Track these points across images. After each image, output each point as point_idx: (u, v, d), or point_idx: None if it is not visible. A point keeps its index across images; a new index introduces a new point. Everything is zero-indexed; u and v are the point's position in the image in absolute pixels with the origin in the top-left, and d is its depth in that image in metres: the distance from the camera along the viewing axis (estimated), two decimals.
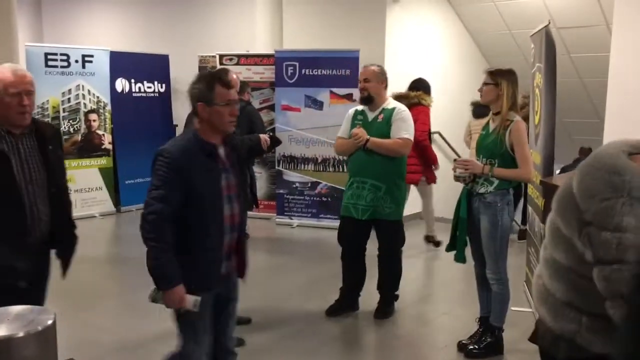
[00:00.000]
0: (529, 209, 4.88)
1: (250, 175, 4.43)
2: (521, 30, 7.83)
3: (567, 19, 7.56)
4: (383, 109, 4.25)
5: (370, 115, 4.28)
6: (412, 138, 4.23)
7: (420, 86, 6.22)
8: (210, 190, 2.48)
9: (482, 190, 3.62)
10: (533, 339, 2.01)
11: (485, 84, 3.63)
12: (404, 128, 4.17)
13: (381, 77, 4.27)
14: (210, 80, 2.49)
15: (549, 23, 4.24)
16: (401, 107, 4.25)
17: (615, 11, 5.13)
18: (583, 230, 1.60)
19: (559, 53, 4.85)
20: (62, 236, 2.89)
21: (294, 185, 7.44)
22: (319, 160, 7.31)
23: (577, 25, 7.58)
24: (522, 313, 4.55)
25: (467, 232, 3.74)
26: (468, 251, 3.82)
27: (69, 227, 2.98)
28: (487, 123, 3.74)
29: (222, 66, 7.87)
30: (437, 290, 5.13)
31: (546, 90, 4.12)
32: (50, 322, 1.97)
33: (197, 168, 2.45)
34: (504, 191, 3.61)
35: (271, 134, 4.73)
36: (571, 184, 1.67)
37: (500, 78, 3.57)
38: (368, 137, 4.15)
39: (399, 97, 5.34)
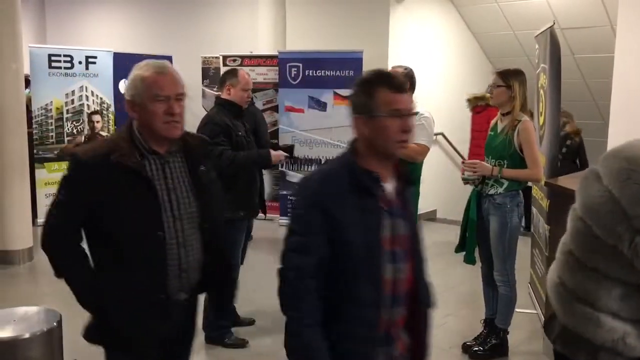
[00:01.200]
0: (533, 210, 4.87)
1: (260, 179, 4.27)
2: (525, 31, 7.81)
3: (571, 20, 7.54)
4: None
5: None
6: (429, 145, 4.14)
7: None
8: (364, 242, 1.72)
9: (491, 191, 3.61)
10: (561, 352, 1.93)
11: (496, 85, 3.60)
12: (423, 134, 4.06)
13: (405, 80, 4.19)
14: (371, 82, 1.78)
15: (554, 24, 4.23)
16: (424, 113, 4.13)
17: (620, 12, 5.11)
18: (636, 239, 1.56)
19: (563, 54, 4.84)
20: (216, 283, 2.28)
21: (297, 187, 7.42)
22: (323, 162, 7.30)
23: (581, 26, 7.56)
24: (526, 315, 4.54)
25: (476, 233, 3.73)
26: (476, 252, 3.82)
27: (225, 272, 2.34)
28: (495, 124, 3.73)
29: (226, 67, 7.88)
30: (442, 291, 5.10)
31: (551, 91, 4.11)
32: (55, 323, 1.96)
33: (347, 208, 1.72)
34: (514, 192, 3.60)
35: (286, 144, 4.59)
36: (604, 189, 1.64)
37: (512, 79, 3.55)
38: None
39: (475, 99, 5.30)
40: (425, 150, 4.11)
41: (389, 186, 1.80)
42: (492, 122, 3.81)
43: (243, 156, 3.90)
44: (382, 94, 1.73)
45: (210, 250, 2.14)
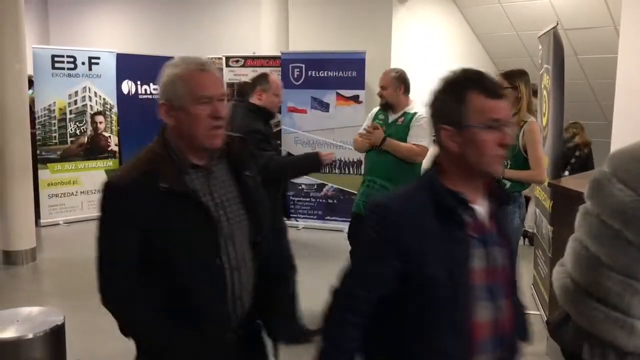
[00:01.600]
0: (537, 211, 4.86)
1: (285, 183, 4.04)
2: (528, 31, 7.81)
3: (575, 21, 7.54)
4: (405, 112, 4.18)
5: (391, 117, 4.23)
6: (428, 146, 4.14)
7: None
8: (448, 276, 1.45)
9: None
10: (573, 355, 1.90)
11: (502, 87, 3.58)
12: (422, 135, 4.07)
13: (397, 83, 4.18)
14: (461, 84, 1.50)
15: (557, 24, 4.22)
16: (422, 114, 4.09)
17: (623, 13, 5.10)
18: None
19: (567, 54, 4.83)
20: (272, 311, 1.91)
21: (300, 187, 7.44)
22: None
23: (585, 27, 7.56)
24: (530, 316, 4.53)
25: None
26: None
27: (282, 296, 2.01)
28: None
29: (229, 68, 7.90)
30: None
31: (554, 92, 4.11)
32: (59, 323, 1.97)
33: (429, 236, 1.46)
34: (516, 194, 3.59)
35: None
36: (633, 193, 1.62)
37: (518, 80, 3.55)
38: (385, 136, 4.09)
39: None
40: (425, 151, 4.11)
41: (481, 209, 1.52)
42: None
43: (290, 161, 3.80)
44: (475, 99, 1.45)
45: (263, 269, 1.83)
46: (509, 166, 3.54)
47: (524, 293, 1.92)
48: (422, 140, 4.05)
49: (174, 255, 1.65)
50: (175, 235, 1.64)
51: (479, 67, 4.83)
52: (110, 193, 1.66)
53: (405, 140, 4.05)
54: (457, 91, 1.48)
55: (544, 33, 4.57)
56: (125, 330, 1.73)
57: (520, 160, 3.53)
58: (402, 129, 4.13)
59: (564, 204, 3.72)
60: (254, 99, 3.93)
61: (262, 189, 1.92)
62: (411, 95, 5.32)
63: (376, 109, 4.39)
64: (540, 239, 4.58)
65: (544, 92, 4.56)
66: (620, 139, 4.93)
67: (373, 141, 4.10)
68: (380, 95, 4.23)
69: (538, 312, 4.55)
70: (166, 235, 1.64)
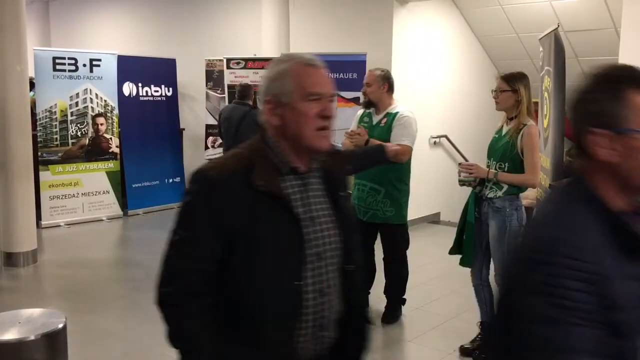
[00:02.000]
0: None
1: None
2: (529, 33, 7.81)
3: (575, 23, 7.54)
4: (387, 113, 4.22)
5: (375, 119, 4.26)
6: (412, 145, 4.18)
7: None
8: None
9: (490, 194, 3.60)
10: None
11: (502, 90, 3.59)
12: (404, 134, 4.11)
13: (382, 81, 4.22)
14: (619, 81, 1.21)
15: (558, 26, 4.23)
16: (404, 113, 4.17)
17: (624, 15, 5.11)
18: None
19: (567, 56, 4.83)
20: (351, 344, 1.71)
21: None
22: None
23: (585, 29, 7.56)
24: None
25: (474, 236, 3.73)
26: None
27: (362, 329, 1.75)
28: (501, 127, 3.72)
29: (229, 70, 7.90)
30: (446, 294, 5.10)
31: (555, 94, 4.11)
32: (61, 325, 1.97)
33: (617, 276, 1.13)
34: (513, 196, 3.59)
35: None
36: None
37: (518, 83, 3.55)
38: (368, 138, 4.13)
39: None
40: (408, 150, 4.13)
41: None
42: (498, 125, 3.81)
43: (356, 154, 3.86)
44: (637, 100, 1.18)
45: (349, 300, 1.64)
46: (506, 168, 3.55)
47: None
48: (405, 140, 4.09)
49: (251, 266, 1.47)
50: (260, 244, 1.47)
51: (480, 69, 4.87)
52: (204, 183, 1.51)
53: (389, 141, 4.07)
54: (615, 89, 1.20)
55: (545, 35, 4.57)
56: (174, 339, 1.49)
57: (518, 163, 3.54)
58: (385, 130, 4.16)
59: None
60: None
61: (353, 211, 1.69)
62: (409, 96, 5.32)
63: (361, 111, 4.42)
64: None
65: (545, 94, 4.56)
66: None
67: (357, 144, 4.14)
68: (364, 93, 4.27)
69: None
70: (250, 242, 1.47)
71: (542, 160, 4.67)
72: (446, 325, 4.47)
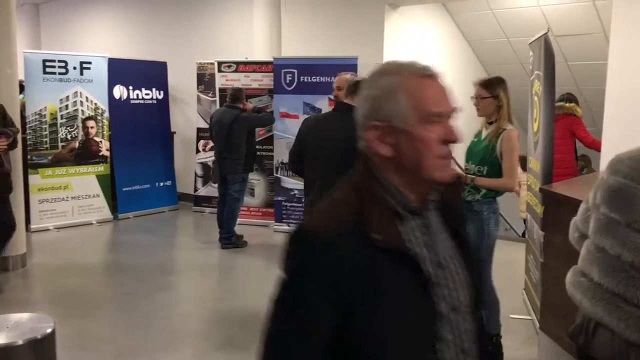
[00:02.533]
0: (528, 216, 4.88)
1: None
2: (519, 38, 7.86)
3: (565, 27, 7.60)
4: None
5: None
6: None
7: (573, 99, 6.58)
8: None
9: (469, 198, 3.63)
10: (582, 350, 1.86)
11: (482, 97, 3.62)
12: None
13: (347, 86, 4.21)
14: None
15: (548, 31, 4.25)
16: None
17: (613, 20, 5.14)
18: None
19: (557, 61, 4.86)
20: None
21: (292, 193, 7.43)
22: None
23: (575, 34, 7.62)
24: (521, 321, 4.54)
25: None
26: None
27: None
28: (480, 131, 3.76)
29: (221, 73, 7.89)
30: None
31: (545, 98, 4.13)
32: (49, 330, 1.95)
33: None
34: (491, 200, 3.62)
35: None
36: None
37: (497, 89, 3.58)
38: None
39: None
40: None
41: None
42: (477, 129, 3.83)
43: None
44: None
45: (481, 346, 1.34)
46: (485, 171, 3.57)
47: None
48: None
49: (373, 343, 1.15)
50: (382, 314, 1.16)
51: (471, 73, 4.84)
52: (311, 246, 1.17)
53: None
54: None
55: (535, 39, 4.60)
56: None
57: (497, 166, 3.56)
58: None
59: (555, 210, 3.73)
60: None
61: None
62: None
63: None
64: (532, 244, 4.59)
65: (535, 98, 4.59)
66: (610, 145, 4.97)
67: None
68: (335, 97, 4.27)
69: (530, 317, 4.56)
70: (369, 312, 1.16)
71: (532, 164, 4.70)
72: None
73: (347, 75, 4.25)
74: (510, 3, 7.91)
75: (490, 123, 3.64)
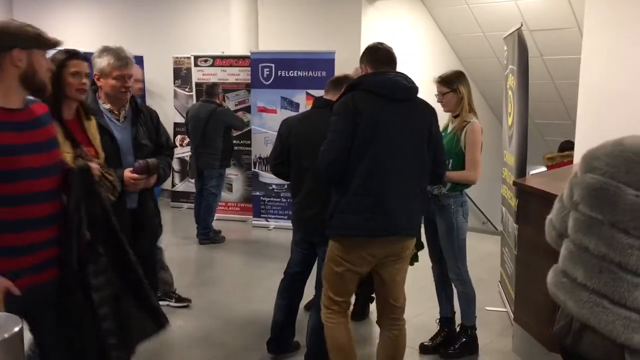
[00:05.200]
0: (503, 209, 4.93)
1: None
2: (495, 32, 7.91)
3: (540, 22, 7.66)
4: None
5: None
6: None
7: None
8: None
9: (435, 191, 3.66)
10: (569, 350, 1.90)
11: (443, 93, 3.67)
12: None
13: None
14: None
15: (521, 26, 4.28)
16: None
17: (586, 14, 5.20)
18: None
19: (532, 55, 4.91)
20: None
21: (271, 187, 7.42)
22: None
23: (550, 28, 7.69)
24: (496, 313, 4.59)
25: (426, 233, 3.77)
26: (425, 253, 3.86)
27: None
28: (447, 125, 3.80)
29: (197, 68, 7.83)
30: (415, 290, 5.14)
31: (519, 92, 4.17)
32: (16, 329, 1.91)
33: None
34: (457, 193, 3.66)
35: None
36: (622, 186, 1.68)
37: (456, 83, 3.64)
38: None
39: (549, 159, 5.42)
40: None
41: None
42: (444, 124, 3.86)
43: None
44: None
45: None
46: (450, 164, 3.60)
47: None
48: None
49: None
50: None
51: (447, 67, 4.80)
52: None
53: None
54: None
55: (509, 34, 4.63)
56: None
57: (461, 159, 3.60)
58: None
59: (529, 203, 3.77)
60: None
61: None
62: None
63: None
64: (507, 237, 4.64)
65: (509, 93, 4.62)
66: (584, 138, 5.03)
67: None
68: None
69: (505, 309, 4.61)
70: None
71: (506, 158, 4.74)
72: (413, 322, 4.49)
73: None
74: None
75: (455, 117, 3.69)
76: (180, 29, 8.74)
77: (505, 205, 4.82)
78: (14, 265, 2.05)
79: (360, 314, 4.44)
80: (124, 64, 3.11)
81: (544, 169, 6.34)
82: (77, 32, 9.87)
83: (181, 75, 8.32)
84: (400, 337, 3.13)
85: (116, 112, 3.11)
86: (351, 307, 3.25)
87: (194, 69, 7.87)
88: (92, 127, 2.83)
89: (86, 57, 2.94)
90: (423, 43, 8.65)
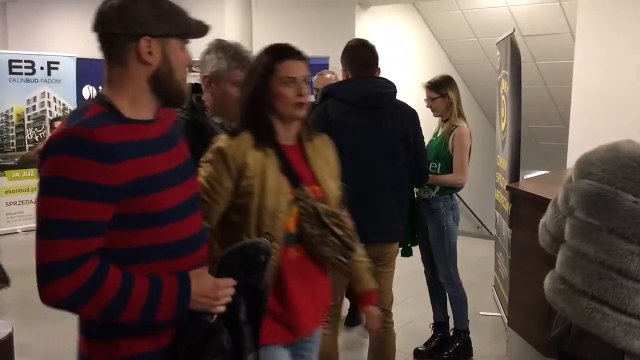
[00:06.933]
0: (497, 214, 4.93)
1: None
2: (488, 37, 7.93)
3: (533, 27, 7.70)
4: None
5: None
6: None
7: None
8: None
9: (425, 195, 3.68)
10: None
11: (432, 98, 3.70)
12: None
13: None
14: None
15: (514, 31, 4.30)
16: None
17: (578, 20, 5.23)
18: None
19: (525, 60, 4.93)
20: None
21: None
22: None
23: (543, 33, 7.73)
24: (491, 317, 4.59)
25: (412, 230, 3.76)
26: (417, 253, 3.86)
27: None
28: (437, 130, 3.82)
29: (192, 73, 7.81)
30: (411, 295, 5.14)
31: (512, 97, 4.18)
32: (6, 334, 1.90)
33: None
34: (447, 196, 3.67)
35: None
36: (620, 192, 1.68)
37: (445, 88, 3.67)
38: None
39: None
40: None
41: None
42: (435, 129, 3.88)
43: None
44: None
45: None
46: (439, 168, 3.62)
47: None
48: None
49: None
50: None
51: (441, 72, 4.81)
52: None
53: None
54: None
55: (502, 39, 4.65)
56: None
57: (450, 163, 3.62)
58: None
59: (522, 207, 3.78)
60: None
61: None
62: None
63: None
64: (501, 241, 4.65)
65: (502, 98, 4.64)
66: (577, 143, 5.05)
67: None
68: (316, 96, 4.29)
69: (499, 314, 4.61)
70: None
71: (500, 162, 4.75)
72: (408, 327, 4.49)
73: (327, 75, 4.22)
74: (480, 3, 7.99)
75: (445, 121, 3.72)
76: None
77: (499, 210, 4.83)
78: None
79: (352, 318, 4.43)
80: (246, 65, 2.32)
81: (538, 173, 6.36)
82: (71, 38, 9.85)
83: None
84: (388, 339, 3.12)
85: (228, 128, 2.27)
86: (343, 316, 3.24)
87: (188, 74, 7.86)
88: (318, 153, 2.03)
89: (301, 54, 2.04)
90: (416, 48, 8.67)
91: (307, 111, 1.98)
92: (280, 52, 2.01)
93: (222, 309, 1.46)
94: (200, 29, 1.63)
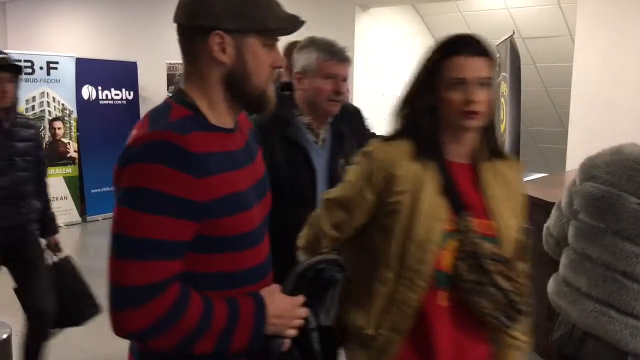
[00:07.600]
0: None
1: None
2: (488, 40, 7.94)
3: (532, 30, 7.70)
4: None
5: None
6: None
7: None
8: None
9: None
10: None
11: None
12: None
13: None
14: None
15: (513, 33, 4.31)
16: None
17: (578, 22, 5.24)
18: None
19: (525, 63, 4.94)
20: None
21: None
22: None
23: (542, 36, 7.73)
24: None
25: None
26: None
27: None
28: None
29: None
30: None
31: (511, 99, 4.19)
32: (5, 336, 1.90)
33: None
34: None
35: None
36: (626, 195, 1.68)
37: None
38: None
39: None
40: None
41: None
42: None
43: None
44: None
45: None
46: None
47: None
48: None
49: None
50: None
51: None
52: None
53: None
54: None
55: (501, 42, 4.66)
56: None
57: None
58: None
59: None
60: None
61: None
62: (371, 102, 5.35)
63: None
64: None
65: (502, 100, 4.64)
66: (576, 145, 5.06)
67: None
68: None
69: None
70: None
71: None
72: None
73: None
74: (479, 5, 8.00)
75: None
76: (174, 35, 8.62)
77: None
78: None
79: None
80: (342, 59, 2.10)
81: (536, 176, 6.37)
82: (70, 38, 9.87)
83: (175, 81, 8.30)
84: None
85: (315, 130, 2.13)
86: None
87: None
88: (499, 179, 1.58)
89: (480, 48, 1.59)
90: (416, 50, 8.67)
91: (483, 122, 1.53)
92: (450, 46, 1.54)
93: (293, 332, 1.26)
94: (290, 25, 1.33)
